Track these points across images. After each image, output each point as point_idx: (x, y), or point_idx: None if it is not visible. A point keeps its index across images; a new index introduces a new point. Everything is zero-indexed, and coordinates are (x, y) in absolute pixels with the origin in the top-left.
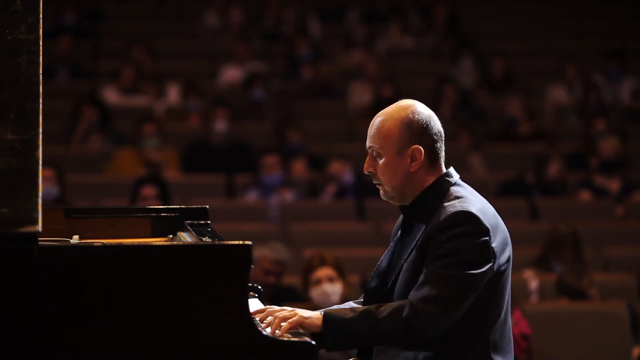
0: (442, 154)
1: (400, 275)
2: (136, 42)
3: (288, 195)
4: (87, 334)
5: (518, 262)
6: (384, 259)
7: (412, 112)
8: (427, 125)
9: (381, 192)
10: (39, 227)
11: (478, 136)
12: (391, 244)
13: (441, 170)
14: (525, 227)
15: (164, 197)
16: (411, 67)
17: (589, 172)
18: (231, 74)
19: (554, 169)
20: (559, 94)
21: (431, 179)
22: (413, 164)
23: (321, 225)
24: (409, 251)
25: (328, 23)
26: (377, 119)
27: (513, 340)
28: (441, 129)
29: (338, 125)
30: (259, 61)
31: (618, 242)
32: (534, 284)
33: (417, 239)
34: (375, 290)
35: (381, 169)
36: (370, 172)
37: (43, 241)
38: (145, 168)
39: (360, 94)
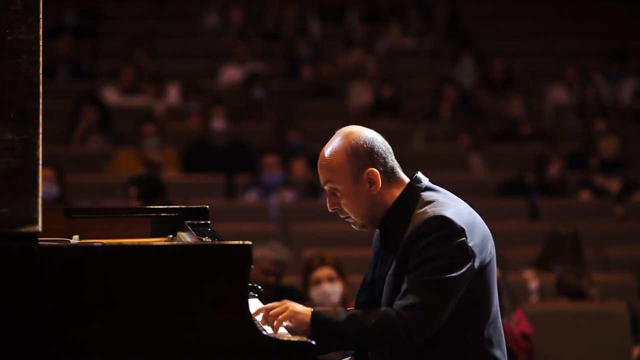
0: (395, 163)
1: (384, 287)
2: (136, 42)
3: (288, 195)
4: (87, 334)
5: (518, 262)
6: (368, 272)
7: (354, 139)
8: (372, 145)
9: (352, 224)
10: (39, 227)
11: (478, 136)
12: (373, 255)
13: (403, 180)
14: (525, 227)
15: (145, 197)
16: (411, 67)
17: (589, 172)
18: (231, 74)
19: (554, 169)
20: (559, 94)
21: (397, 192)
22: (372, 188)
23: (321, 225)
24: (390, 263)
25: (328, 23)
26: (323, 155)
27: (514, 340)
28: (387, 143)
29: (338, 125)
30: (259, 61)
31: (618, 242)
32: (534, 284)
33: (396, 250)
34: (364, 305)
35: (344, 203)
36: (335, 209)
37: (43, 241)
38: (145, 168)
39: (360, 94)
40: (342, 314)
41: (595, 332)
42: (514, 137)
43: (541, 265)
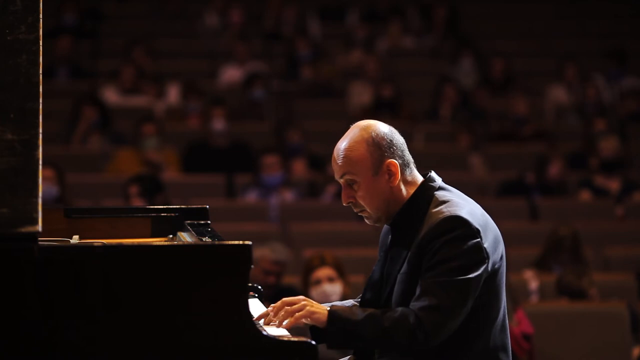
0: (412, 161)
1: (396, 287)
2: (136, 42)
3: (288, 195)
4: (88, 333)
5: (518, 262)
6: (375, 270)
7: (374, 131)
8: (392, 138)
9: (366, 218)
10: (39, 227)
11: (478, 136)
12: (381, 254)
13: (418, 178)
14: (525, 227)
15: (146, 195)
16: (411, 67)
17: (589, 172)
18: (231, 74)
19: (554, 169)
20: (559, 94)
21: (412, 189)
22: (392, 179)
23: (321, 225)
24: (402, 262)
25: (328, 23)
26: (341, 147)
27: (515, 340)
28: (403, 140)
29: (338, 125)
30: (259, 61)
31: (618, 242)
32: (534, 284)
33: (408, 249)
34: (370, 303)
35: (361, 195)
36: (350, 202)
37: (43, 241)
38: (145, 168)
39: (360, 94)
40: (359, 314)
41: (595, 332)
42: (514, 137)
43: (541, 265)
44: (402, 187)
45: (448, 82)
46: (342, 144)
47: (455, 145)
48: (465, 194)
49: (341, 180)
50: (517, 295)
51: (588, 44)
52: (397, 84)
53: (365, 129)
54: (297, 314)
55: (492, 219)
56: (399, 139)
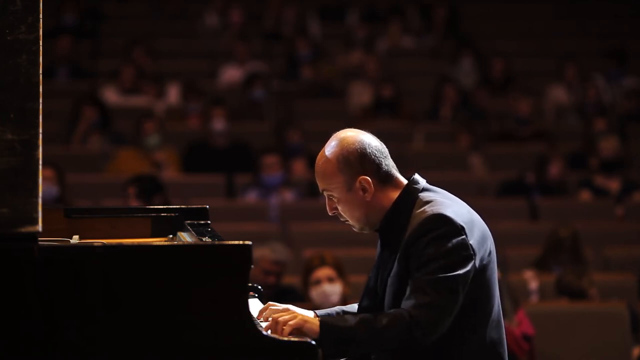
0: (391, 166)
1: (387, 290)
2: (136, 42)
3: (288, 195)
4: (88, 334)
5: (518, 262)
6: (371, 276)
7: (346, 147)
8: (363, 152)
9: (352, 227)
10: (39, 227)
11: (478, 136)
12: (376, 258)
13: (401, 182)
14: (525, 227)
15: (144, 196)
16: (411, 67)
17: (589, 172)
18: (231, 74)
19: (554, 169)
20: (559, 94)
21: (394, 195)
22: (366, 195)
23: (321, 225)
24: (391, 265)
25: (328, 23)
26: (319, 163)
27: (515, 341)
28: (379, 145)
29: (338, 125)
30: (259, 61)
31: (618, 242)
32: (534, 284)
33: (396, 252)
34: (367, 309)
35: (341, 208)
36: (334, 213)
37: (43, 241)
38: (150, 168)
39: (360, 94)
40: (350, 320)
41: (595, 332)
42: (514, 137)
43: (541, 265)
44: (383, 195)
45: (448, 82)
46: (319, 160)
47: (455, 145)
48: (465, 194)
49: (324, 194)
50: (517, 296)
51: (588, 44)
52: (397, 84)
53: (339, 144)
54: (290, 322)
55: (492, 219)
56: (373, 151)
